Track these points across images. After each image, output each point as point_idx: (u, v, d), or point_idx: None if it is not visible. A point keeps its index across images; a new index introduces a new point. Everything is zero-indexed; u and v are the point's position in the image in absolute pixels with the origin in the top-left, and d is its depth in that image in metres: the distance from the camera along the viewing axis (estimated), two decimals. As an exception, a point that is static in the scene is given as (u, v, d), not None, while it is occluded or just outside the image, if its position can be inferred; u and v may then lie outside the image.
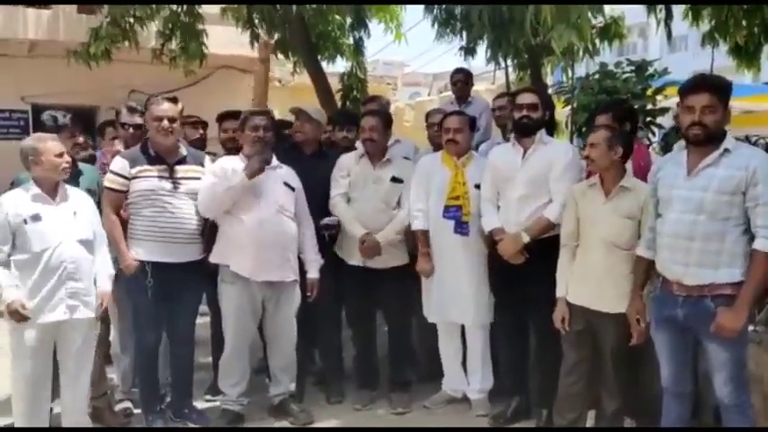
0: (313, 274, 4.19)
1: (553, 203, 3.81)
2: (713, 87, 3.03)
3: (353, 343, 4.62)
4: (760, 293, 3.04)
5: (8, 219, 3.44)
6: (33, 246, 3.43)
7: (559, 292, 3.65)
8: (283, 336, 4.14)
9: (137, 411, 4.24)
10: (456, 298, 4.14)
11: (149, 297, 3.87)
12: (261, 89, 9.93)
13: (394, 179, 4.31)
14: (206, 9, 7.53)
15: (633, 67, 5.24)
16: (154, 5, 7.13)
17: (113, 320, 4.28)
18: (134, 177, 3.90)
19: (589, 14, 4.57)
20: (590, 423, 3.76)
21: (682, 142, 3.18)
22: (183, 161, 4.00)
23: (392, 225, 4.27)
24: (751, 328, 3.41)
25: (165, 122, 3.92)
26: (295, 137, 4.52)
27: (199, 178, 4.00)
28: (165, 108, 3.96)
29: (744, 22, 6.04)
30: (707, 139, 3.00)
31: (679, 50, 24.56)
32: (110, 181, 3.94)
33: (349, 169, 4.36)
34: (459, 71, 5.95)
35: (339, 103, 7.33)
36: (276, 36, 7.64)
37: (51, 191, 3.56)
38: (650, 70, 5.22)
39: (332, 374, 4.59)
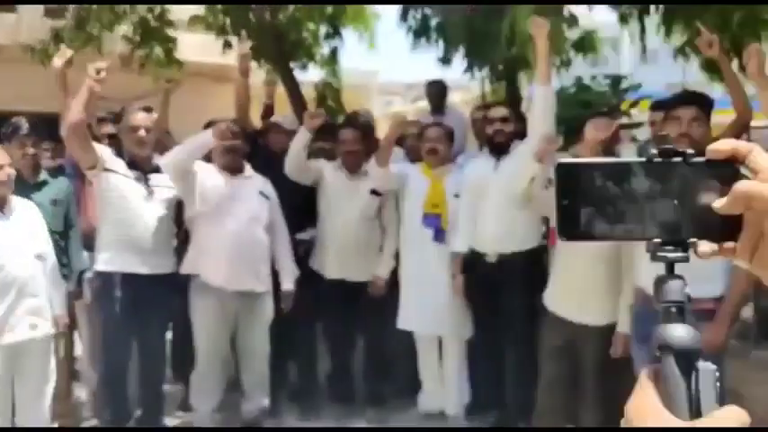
0: (288, 285, 4.11)
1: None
2: (700, 102, 3.05)
3: (330, 357, 4.55)
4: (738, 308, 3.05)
5: None
6: None
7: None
8: (256, 350, 4.05)
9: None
10: (433, 308, 4.09)
11: (118, 310, 3.74)
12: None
13: (373, 192, 4.26)
14: (176, 15, 7.41)
15: (608, 81, 5.27)
16: (124, 9, 7.00)
17: (82, 335, 4.16)
18: (108, 170, 3.77)
19: (564, 27, 4.62)
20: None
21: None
22: (157, 170, 3.91)
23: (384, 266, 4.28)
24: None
25: (141, 132, 3.82)
26: (272, 147, 4.44)
27: (173, 187, 3.90)
28: (141, 118, 3.86)
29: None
30: (693, 154, 2.99)
31: (651, 64, 24.99)
32: None
33: (321, 176, 4.30)
34: (434, 83, 5.92)
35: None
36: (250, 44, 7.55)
37: (1, 204, 3.40)
38: (624, 84, 5.24)
39: (307, 389, 4.50)
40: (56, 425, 3.70)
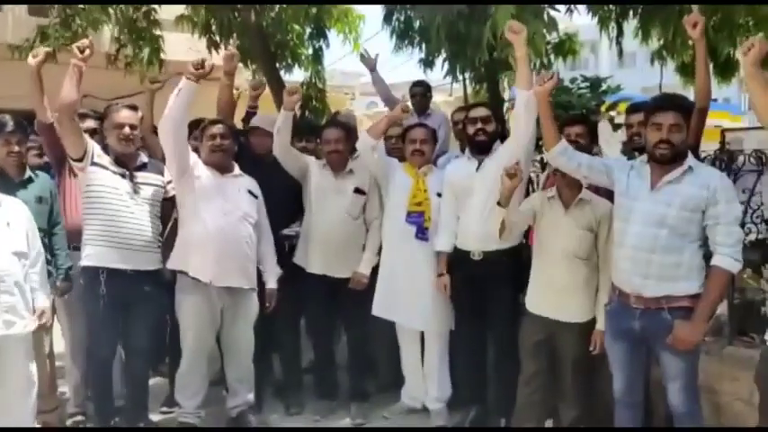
0: (272, 284, 4.16)
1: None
2: (679, 107, 3.13)
3: (314, 353, 4.61)
4: (715, 307, 3.15)
5: None
6: None
7: None
8: (241, 346, 4.10)
9: (90, 424, 4.15)
10: (415, 303, 4.15)
11: (102, 306, 3.78)
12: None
13: (357, 190, 4.32)
14: (162, 15, 7.43)
15: (588, 84, 5.36)
16: (110, 7, 7.01)
17: (64, 332, 4.18)
18: (95, 164, 3.81)
19: (544, 31, 4.70)
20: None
21: (644, 156, 3.26)
22: (143, 168, 3.95)
23: (366, 263, 4.33)
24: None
25: (126, 130, 3.86)
26: (254, 149, 4.48)
27: (159, 185, 3.96)
28: (126, 115, 3.90)
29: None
30: (673, 157, 3.09)
31: (628, 67, 25.24)
32: None
33: (307, 170, 4.37)
34: (418, 84, 6.00)
35: (298, 113, 7.31)
36: (235, 45, 7.57)
37: None
38: (603, 87, 5.34)
39: (291, 385, 4.56)
40: (38, 424, 3.69)
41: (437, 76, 7.55)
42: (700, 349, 3.22)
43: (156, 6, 7.20)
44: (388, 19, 7.15)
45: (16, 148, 3.85)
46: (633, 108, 3.97)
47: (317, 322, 4.51)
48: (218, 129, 4.04)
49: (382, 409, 4.43)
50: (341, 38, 7.90)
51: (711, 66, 6.64)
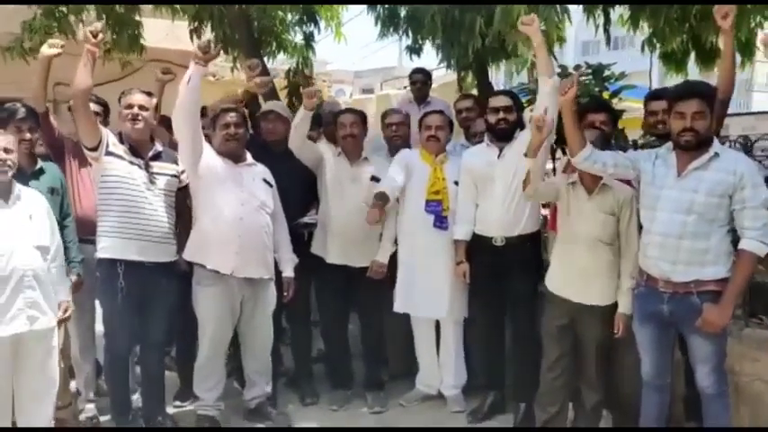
0: (289, 272, 4.13)
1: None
2: (702, 94, 3.16)
3: (327, 343, 4.59)
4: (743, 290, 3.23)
5: None
6: None
7: None
8: (260, 338, 4.06)
9: (103, 418, 4.07)
10: (433, 292, 4.17)
11: (121, 300, 3.70)
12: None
13: (374, 178, 4.30)
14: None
15: (590, 71, 5.41)
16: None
17: (72, 326, 4.07)
18: (110, 153, 3.71)
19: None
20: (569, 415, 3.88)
21: (669, 144, 3.31)
22: (157, 157, 3.86)
23: (384, 251, 4.30)
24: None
25: (135, 109, 3.77)
26: (266, 136, 4.42)
27: (174, 175, 3.88)
28: (137, 97, 3.82)
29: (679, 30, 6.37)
30: (697, 144, 3.14)
31: (592, 54, 25.65)
32: None
33: (321, 159, 4.34)
34: (418, 71, 5.97)
35: (286, 101, 7.22)
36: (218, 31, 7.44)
37: (2, 192, 3.32)
38: (607, 73, 5.39)
39: (304, 375, 4.54)
40: (53, 420, 3.60)
41: (414, 64, 7.54)
42: (727, 333, 3.29)
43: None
44: (372, 5, 7.10)
45: (28, 136, 3.74)
46: (654, 95, 4.00)
47: (334, 312, 4.48)
48: (231, 117, 3.97)
49: (397, 397, 4.44)
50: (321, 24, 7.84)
51: (693, 54, 6.85)
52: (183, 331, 4.25)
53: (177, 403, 4.36)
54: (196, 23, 7.11)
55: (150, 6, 7.40)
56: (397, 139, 4.59)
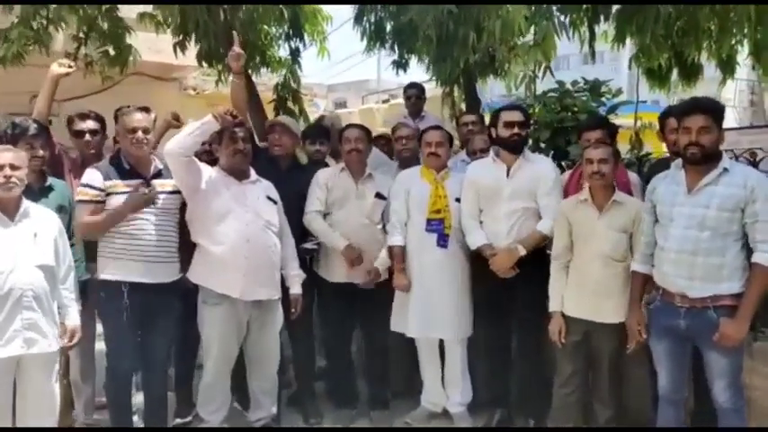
0: (296, 289, 4.05)
1: (545, 219, 3.90)
2: (708, 110, 3.21)
3: (330, 361, 4.54)
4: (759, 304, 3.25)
5: None
6: None
7: (553, 307, 3.74)
8: (267, 357, 3.99)
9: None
10: (438, 312, 4.13)
11: (125, 320, 3.60)
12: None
13: (378, 195, 4.28)
14: (123, 12, 7.15)
15: (587, 87, 5.47)
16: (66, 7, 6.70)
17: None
18: (108, 193, 3.62)
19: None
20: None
21: (678, 161, 3.34)
22: (158, 174, 3.77)
23: (381, 259, 4.26)
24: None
25: (140, 134, 3.68)
26: (272, 150, 4.36)
27: (177, 192, 3.78)
28: (139, 118, 3.71)
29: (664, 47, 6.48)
30: (703, 158, 3.17)
31: (562, 69, 26.05)
32: (82, 194, 3.62)
33: (328, 184, 4.27)
34: (412, 86, 5.98)
35: (273, 114, 7.16)
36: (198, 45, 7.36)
37: (7, 209, 3.23)
38: (604, 89, 5.47)
39: (307, 394, 4.46)
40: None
41: (391, 77, 7.46)
42: (744, 347, 3.32)
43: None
44: (359, 19, 7.11)
45: (40, 152, 3.69)
46: (667, 113, 4.05)
47: (338, 329, 4.42)
48: (240, 132, 3.90)
49: (401, 415, 4.38)
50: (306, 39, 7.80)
51: (676, 70, 6.98)
52: (181, 350, 4.16)
53: (178, 421, 4.26)
54: (180, 37, 6.98)
55: (134, 18, 7.30)
56: (406, 152, 4.60)
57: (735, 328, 3.11)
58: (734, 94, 17.34)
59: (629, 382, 3.75)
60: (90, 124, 4.19)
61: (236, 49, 4.28)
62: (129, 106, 3.85)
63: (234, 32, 4.55)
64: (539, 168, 3.98)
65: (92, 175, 3.64)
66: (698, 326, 3.20)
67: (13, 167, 3.22)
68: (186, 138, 3.66)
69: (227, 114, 3.71)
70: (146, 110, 3.85)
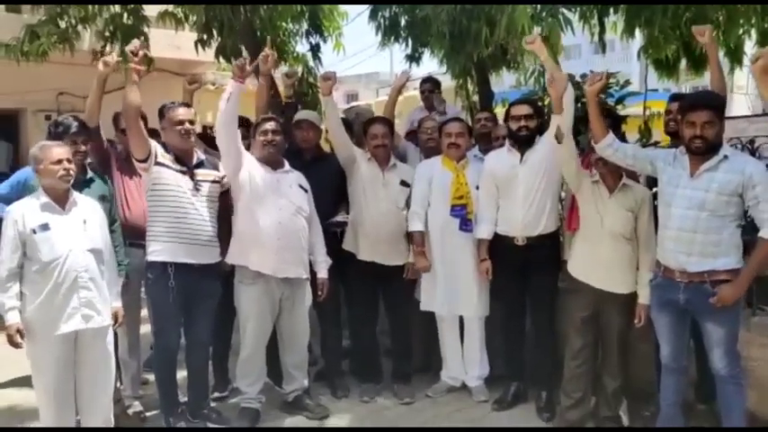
0: (323, 274, 4.38)
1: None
2: (711, 105, 3.49)
3: (356, 339, 4.85)
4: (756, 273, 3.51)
5: (17, 228, 3.43)
6: (43, 256, 3.42)
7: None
8: (298, 333, 4.32)
9: (149, 414, 4.31)
10: (461, 292, 4.48)
11: (171, 299, 3.94)
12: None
13: (403, 183, 4.59)
14: (146, 11, 7.41)
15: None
16: (96, 6, 6.97)
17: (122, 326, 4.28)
18: (159, 163, 3.95)
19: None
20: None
21: (683, 147, 3.62)
22: (200, 165, 4.09)
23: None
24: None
25: (187, 125, 4.01)
26: (299, 143, 4.67)
27: (217, 181, 4.11)
28: (183, 112, 4.05)
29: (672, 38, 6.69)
30: (707, 150, 3.45)
31: (574, 58, 26.23)
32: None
33: (354, 161, 4.59)
34: (427, 80, 6.23)
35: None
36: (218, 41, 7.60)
37: (60, 199, 3.55)
38: (612, 81, 5.68)
39: (335, 370, 4.78)
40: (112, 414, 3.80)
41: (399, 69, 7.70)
42: (740, 317, 3.59)
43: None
44: (373, 15, 7.32)
45: (83, 148, 3.99)
46: (675, 97, 4.45)
47: (364, 307, 4.73)
48: (270, 125, 4.22)
49: (423, 389, 4.70)
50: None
51: (684, 60, 7.18)
52: (219, 328, 4.47)
53: (216, 394, 4.60)
54: (204, 35, 7.23)
55: (154, 16, 7.56)
56: (431, 142, 4.90)
57: (731, 291, 3.38)
58: (746, 82, 17.39)
59: (635, 354, 4.03)
60: None
61: (268, 50, 4.55)
62: (173, 102, 4.16)
63: (267, 37, 4.79)
64: (549, 149, 4.17)
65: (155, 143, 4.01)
66: (696, 299, 3.47)
67: (68, 161, 3.55)
68: (222, 104, 3.99)
69: (241, 68, 4.01)
70: (187, 105, 4.19)
